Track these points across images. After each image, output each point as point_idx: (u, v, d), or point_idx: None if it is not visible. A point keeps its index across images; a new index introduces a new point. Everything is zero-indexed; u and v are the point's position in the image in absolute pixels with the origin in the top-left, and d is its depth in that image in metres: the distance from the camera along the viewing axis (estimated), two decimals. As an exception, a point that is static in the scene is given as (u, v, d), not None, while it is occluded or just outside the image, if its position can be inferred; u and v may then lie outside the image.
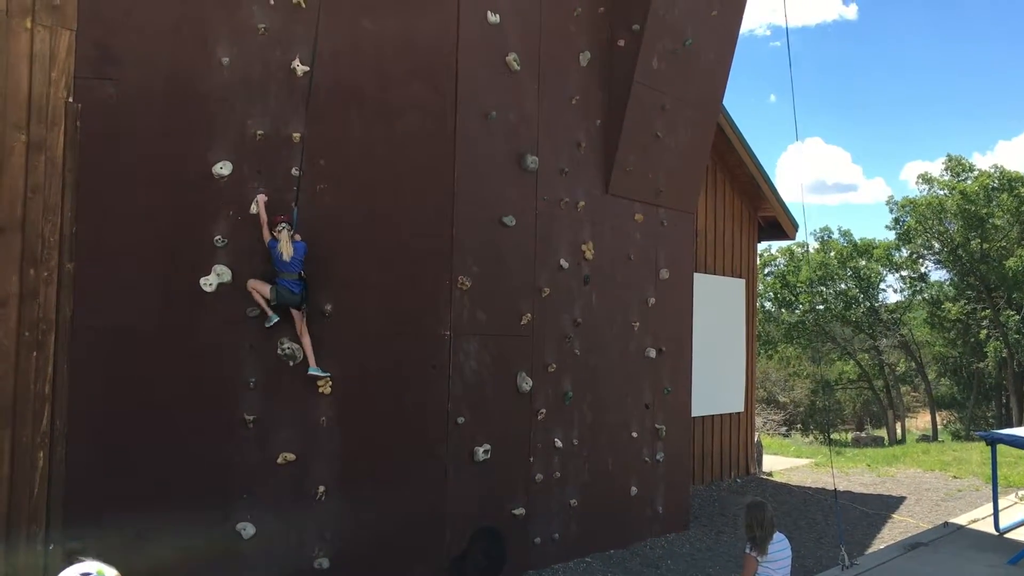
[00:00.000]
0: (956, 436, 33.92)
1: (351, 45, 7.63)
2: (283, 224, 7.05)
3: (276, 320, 7.10)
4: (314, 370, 7.24)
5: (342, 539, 7.42)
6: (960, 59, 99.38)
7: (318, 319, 7.37)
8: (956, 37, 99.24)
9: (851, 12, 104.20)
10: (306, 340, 7.23)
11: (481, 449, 8.28)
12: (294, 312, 7.18)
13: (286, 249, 6.99)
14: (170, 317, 6.89)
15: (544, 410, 8.98)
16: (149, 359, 6.79)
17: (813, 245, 40.33)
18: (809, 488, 14.43)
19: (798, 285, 39.56)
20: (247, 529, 6.99)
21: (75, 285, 6.59)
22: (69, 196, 6.61)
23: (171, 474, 6.75)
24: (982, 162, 74.00)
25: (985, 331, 35.10)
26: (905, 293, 39.58)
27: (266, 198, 7.15)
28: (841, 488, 14.08)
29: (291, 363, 7.19)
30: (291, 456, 7.20)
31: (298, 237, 7.13)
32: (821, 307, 39.71)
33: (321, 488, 7.33)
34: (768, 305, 40.54)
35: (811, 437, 37.39)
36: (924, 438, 33.02)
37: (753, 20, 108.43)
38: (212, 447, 6.95)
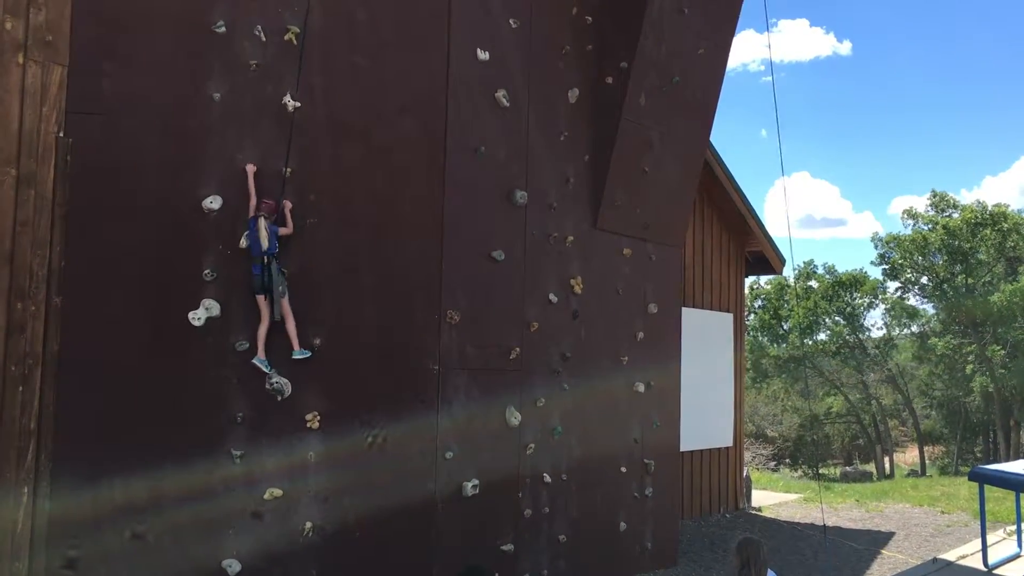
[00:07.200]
0: (944, 471, 33.90)
1: (343, 81, 7.69)
2: (263, 214, 7.03)
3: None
4: (298, 353, 7.21)
5: (329, 576, 7.34)
6: (950, 95, 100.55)
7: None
8: (947, 75, 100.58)
9: (845, 48, 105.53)
10: (289, 324, 7.17)
11: (470, 484, 8.24)
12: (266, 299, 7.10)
13: (262, 238, 6.96)
14: (158, 351, 6.86)
15: (533, 444, 8.95)
16: (136, 393, 6.75)
17: (797, 283, 40.41)
18: (798, 523, 14.37)
19: (786, 321, 39.63)
20: (233, 566, 6.91)
21: (63, 319, 6.57)
22: (58, 230, 6.61)
23: (157, 510, 6.68)
24: (969, 197, 74.79)
25: (971, 366, 35.23)
26: (890, 325, 39.71)
27: (255, 168, 7.17)
28: (830, 523, 14.04)
29: (279, 398, 7.16)
30: (278, 492, 7.14)
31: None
32: (809, 342, 39.74)
33: (308, 524, 7.26)
34: (760, 338, 40.55)
35: (800, 471, 37.30)
36: (912, 473, 32.98)
37: (746, 55, 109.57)
38: (198, 482, 6.87)
